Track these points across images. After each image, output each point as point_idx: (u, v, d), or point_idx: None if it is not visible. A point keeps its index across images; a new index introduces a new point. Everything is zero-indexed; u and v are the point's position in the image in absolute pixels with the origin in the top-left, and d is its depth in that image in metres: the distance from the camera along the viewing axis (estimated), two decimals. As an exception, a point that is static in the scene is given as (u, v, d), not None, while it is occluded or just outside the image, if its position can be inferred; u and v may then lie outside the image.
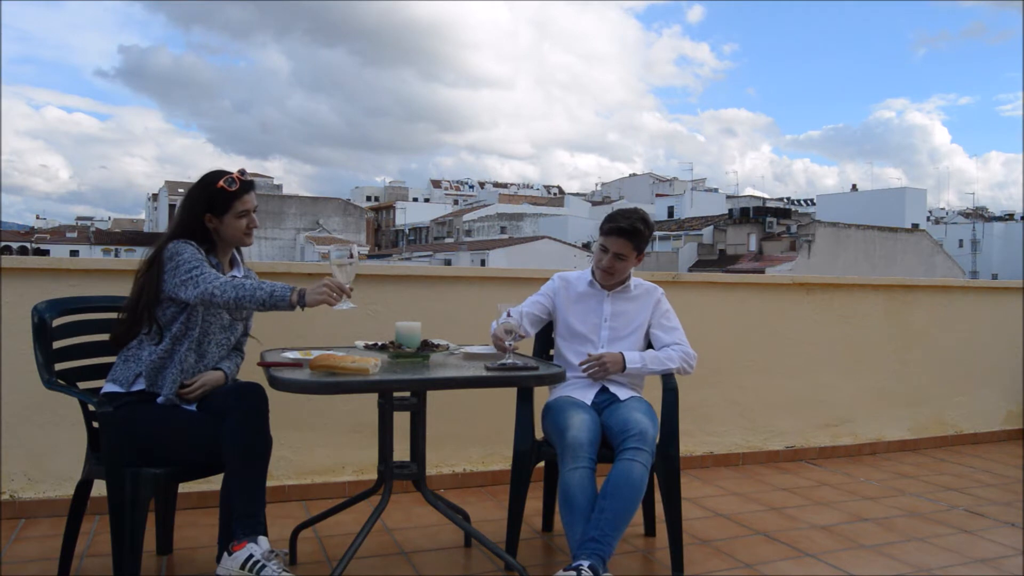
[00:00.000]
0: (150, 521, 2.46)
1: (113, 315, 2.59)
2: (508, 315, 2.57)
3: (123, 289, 2.95)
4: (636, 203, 54.93)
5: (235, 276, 2.59)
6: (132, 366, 2.44)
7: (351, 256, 2.42)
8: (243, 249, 2.67)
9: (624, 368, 2.82)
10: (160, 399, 2.42)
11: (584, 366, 2.83)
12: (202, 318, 2.48)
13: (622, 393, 2.84)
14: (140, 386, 2.42)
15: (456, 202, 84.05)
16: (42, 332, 2.42)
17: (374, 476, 2.67)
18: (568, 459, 2.53)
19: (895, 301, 4.86)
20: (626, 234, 2.84)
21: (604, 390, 2.85)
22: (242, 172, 2.53)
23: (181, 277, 2.36)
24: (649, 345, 3.00)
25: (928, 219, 55.76)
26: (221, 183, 2.48)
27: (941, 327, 5.01)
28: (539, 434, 2.89)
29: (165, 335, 2.44)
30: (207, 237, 2.52)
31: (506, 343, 2.56)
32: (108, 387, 2.44)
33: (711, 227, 43.68)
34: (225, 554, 2.21)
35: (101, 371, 2.54)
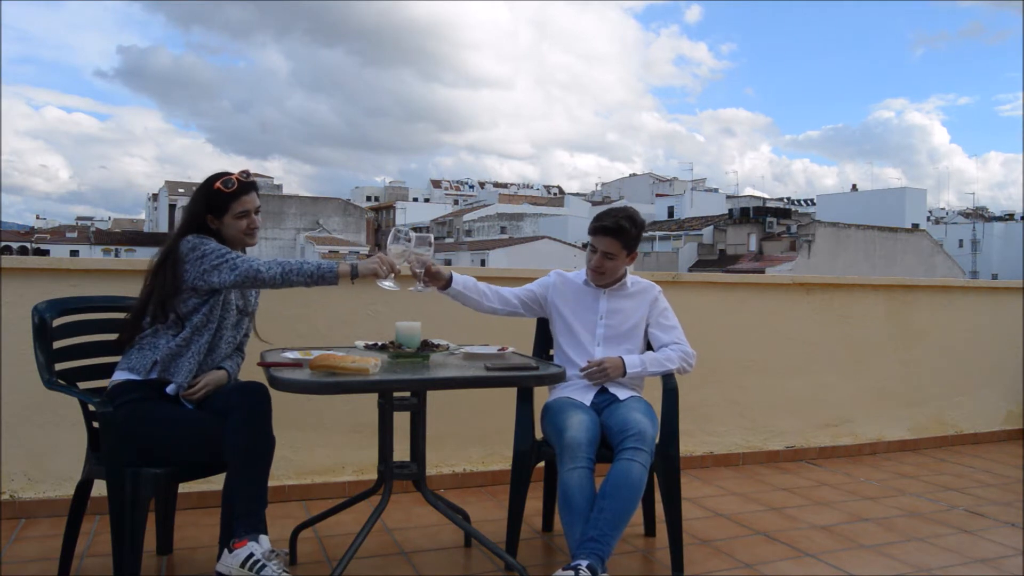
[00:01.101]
0: (150, 521, 2.46)
1: (113, 315, 2.59)
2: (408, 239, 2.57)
3: (123, 289, 2.96)
4: (636, 203, 54.95)
5: None
6: (148, 354, 2.43)
7: (409, 240, 2.53)
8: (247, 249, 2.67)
9: (625, 373, 2.83)
10: (170, 388, 2.41)
11: (585, 372, 2.83)
12: (219, 314, 2.49)
13: (621, 393, 2.84)
14: (156, 374, 2.42)
15: (456, 202, 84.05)
16: (42, 332, 2.42)
17: (374, 476, 2.67)
18: (566, 459, 2.53)
19: (895, 301, 4.86)
20: (611, 232, 2.84)
21: (603, 390, 2.85)
22: (244, 173, 2.53)
23: (212, 262, 2.37)
24: (648, 344, 3.00)
25: (928, 219, 55.79)
26: (218, 184, 2.48)
27: (941, 327, 5.01)
28: (539, 434, 2.89)
29: (187, 325, 2.44)
30: (215, 238, 2.51)
31: (414, 268, 2.60)
32: (122, 375, 2.42)
33: (711, 227, 43.69)
34: (226, 551, 2.21)
35: (101, 371, 2.54)
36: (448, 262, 40.65)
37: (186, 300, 2.44)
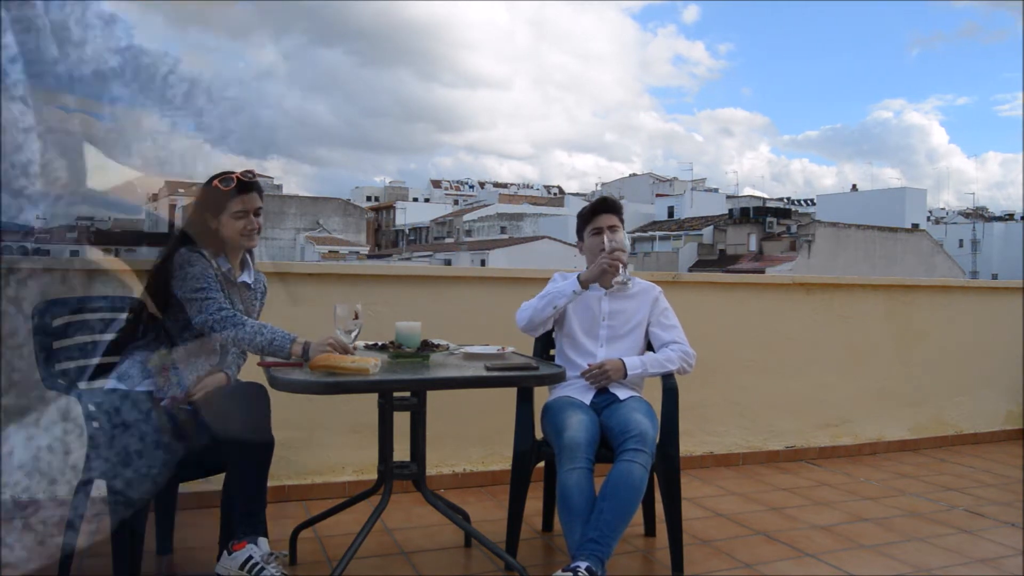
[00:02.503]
0: (150, 521, 2.46)
1: (113, 315, 2.59)
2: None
3: (123, 289, 2.95)
4: (636, 203, 55.12)
5: (245, 281, 2.59)
6: (140, 367, 2.43)
7: (356, 317, 2.43)
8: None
9: (626, 375, 2.83)
10: (164, 402, 2.41)
11: (587, 376, 2.83)
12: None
13: (622, 393, 2.84)
14: (147, 388, 2.41)
15: (456, 202, 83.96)
16: (42, 332, 2.42)
17: (374, 476, 2.67)
18: (565, 460, 2.53)
19: (895, 301, 4.86)
20: (608, 207, 2.99)
21: (603, 390, 2.85)
22: (247, 173, 2.49)
23: (188, 294, 2.36)
24: (649, 344, 3.00)
25: (928, 219, 55.77)
26: (216, 182, 2.46)
27: (941, 327, 5.00)
28: (539, 434, 2.88)
29: (178, 343, 2.43)
30: (215, 238, 2.50)
31: (621, 256, 2.78)
32: (113, 383, 2.42)
33: (711, 227, 43.71)
34: (225, 552, 2.21)
35: (101, 371, 2.53)
36: (448, 262, 40.64)
37: (176, 314, 2.42)
